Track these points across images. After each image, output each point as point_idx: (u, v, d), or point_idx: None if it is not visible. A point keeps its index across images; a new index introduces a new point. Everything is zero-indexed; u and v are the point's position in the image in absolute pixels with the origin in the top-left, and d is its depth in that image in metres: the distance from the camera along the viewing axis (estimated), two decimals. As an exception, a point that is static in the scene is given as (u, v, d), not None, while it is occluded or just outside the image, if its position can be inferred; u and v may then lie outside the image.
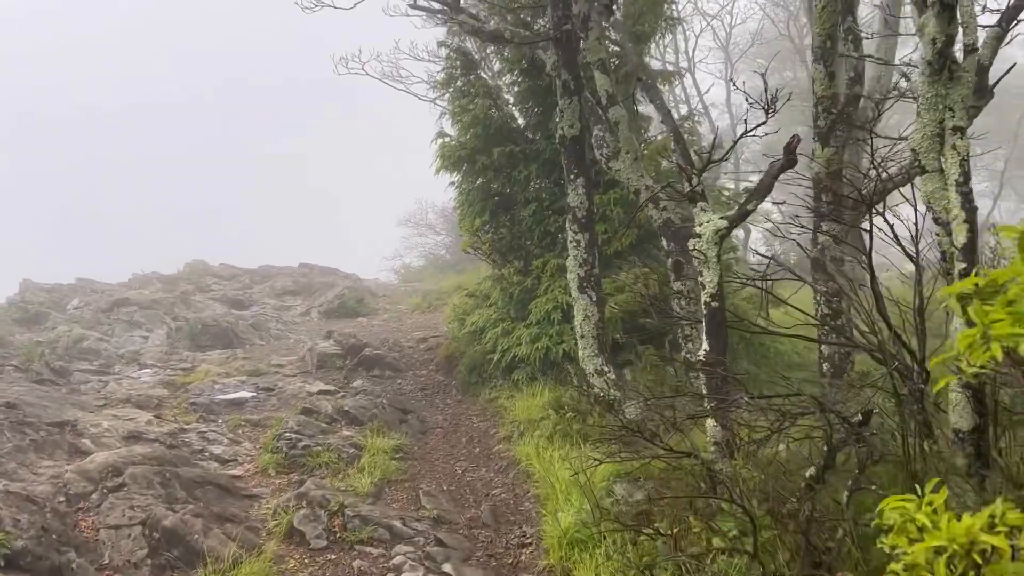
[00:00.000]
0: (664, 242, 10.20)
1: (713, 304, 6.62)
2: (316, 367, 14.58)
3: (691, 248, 6.69)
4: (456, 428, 10.82)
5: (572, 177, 9.43)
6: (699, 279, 6.69)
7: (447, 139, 13.30)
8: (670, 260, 10.16)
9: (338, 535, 7.14)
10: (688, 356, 10.19)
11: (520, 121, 13.50)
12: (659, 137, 12.47)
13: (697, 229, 6.63)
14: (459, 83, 13.53)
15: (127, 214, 73.98)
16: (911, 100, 7.18)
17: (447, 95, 13.87)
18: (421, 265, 38.40)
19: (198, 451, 9.12)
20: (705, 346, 6.69)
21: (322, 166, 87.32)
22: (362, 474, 8.52)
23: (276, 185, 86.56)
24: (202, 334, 18.10)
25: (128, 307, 19.92)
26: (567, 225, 9.63)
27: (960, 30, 4.66)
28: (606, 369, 9.39)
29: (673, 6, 13.69)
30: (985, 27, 6.12)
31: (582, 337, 9.47)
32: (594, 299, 9.48)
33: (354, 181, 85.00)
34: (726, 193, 13.73)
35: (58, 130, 76.18)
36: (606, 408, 9.14)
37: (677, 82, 13.76)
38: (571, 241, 9.55)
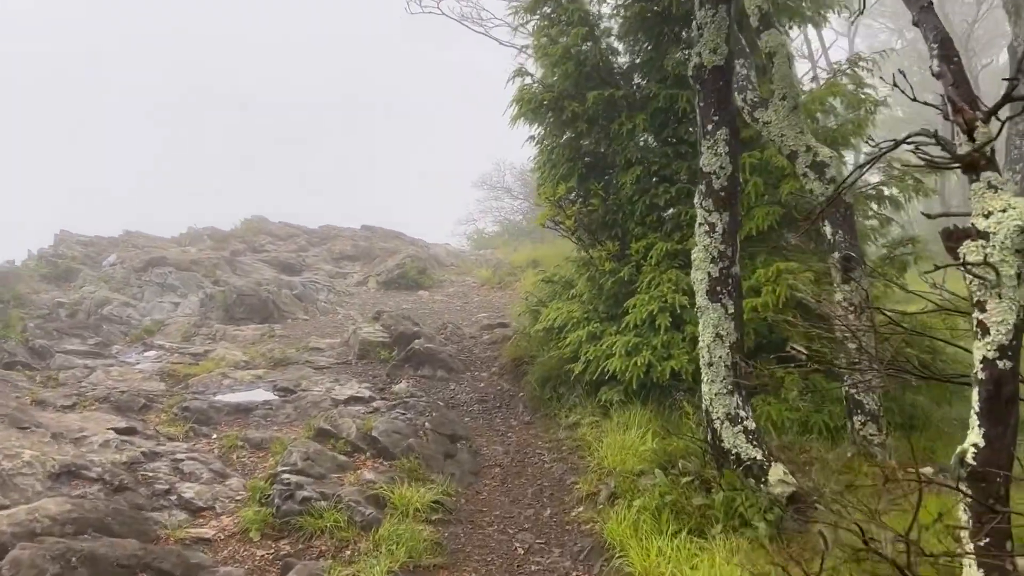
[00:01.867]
0: (828, 229, 7.11)
1: (1001, 364, 3.54)
2: (357, 357, 11.99)
3: (964, 257, 3.60)
4: (521, 469, 7.99)
5: (710, 128, 6.34)
6: (976, 316, 3.60)
7: (528, 80, 10.32)
8: (836, 254, 7.07)
9: None
10: (854, 390, 7.11)
11: (623, 59, 10.42)
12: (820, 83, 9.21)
13: (980, 223, 3.54)
14: (547, 8, 10.48)
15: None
16: None
17: (531, 23, 10.84)
18: (495, 231, 35.67)
19: (162, 492, 6.56)
20: (976, 438, 3.63)
21: (396, 121, 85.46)
22: (377, 552, 5.79)
23: (349, 141, 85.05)
24: (237, 305, 15.76)
25: (163, 267, 17.77)
26: (697, 200, 6.57)
27: None
28: (743, 415, 6.38)
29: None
30: None
31: (709, 365, 6.46)
32: (730, 311, 6.45)
33: (430, 138, 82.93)
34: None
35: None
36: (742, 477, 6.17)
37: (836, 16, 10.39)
38: (701, 224, 6.50)
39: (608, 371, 8.48)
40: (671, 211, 9.41)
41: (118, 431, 7.50)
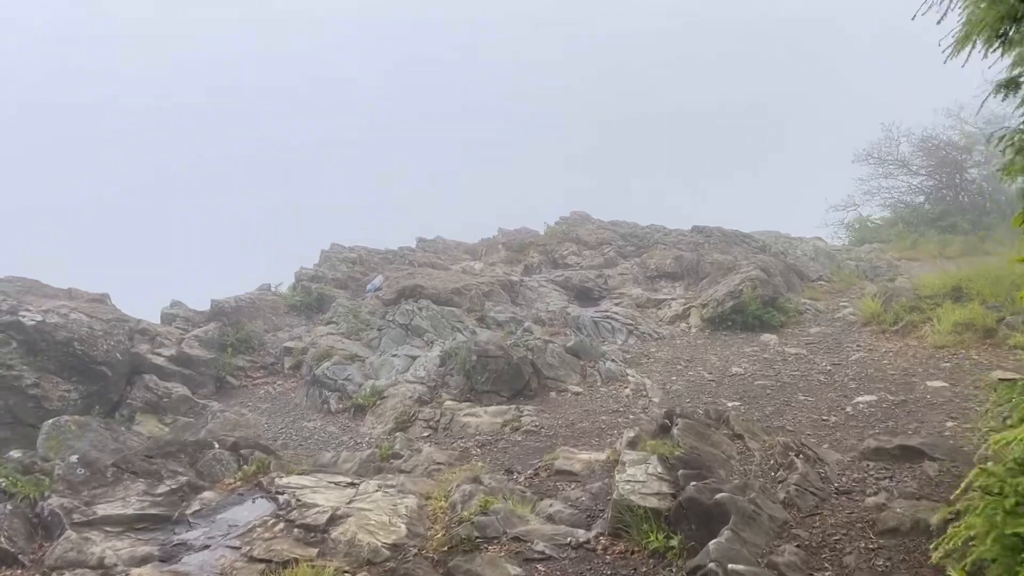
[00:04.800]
0: None
1: None
2: (609, 534, 6.33)
3: None
4: None
5: None
6: None
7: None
8: None
9: None
10: None
11: None
12: None
13: None
14: None
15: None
16: None
17: None
18: (884, 218, 27.01)
19: None
20: None
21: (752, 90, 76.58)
22: None
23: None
24: (478, 370, 10.92)
25: (414, 301, 13.68)
26: None
27: None
28: None
29: None
30: None
31: None
32: None
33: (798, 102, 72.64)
34: None
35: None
36: None
37: None
38: None
39: None
40: None
41: None
